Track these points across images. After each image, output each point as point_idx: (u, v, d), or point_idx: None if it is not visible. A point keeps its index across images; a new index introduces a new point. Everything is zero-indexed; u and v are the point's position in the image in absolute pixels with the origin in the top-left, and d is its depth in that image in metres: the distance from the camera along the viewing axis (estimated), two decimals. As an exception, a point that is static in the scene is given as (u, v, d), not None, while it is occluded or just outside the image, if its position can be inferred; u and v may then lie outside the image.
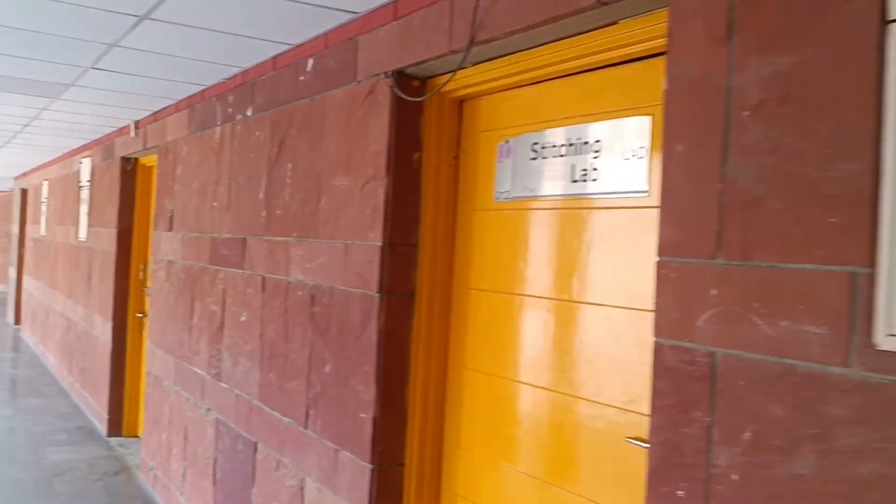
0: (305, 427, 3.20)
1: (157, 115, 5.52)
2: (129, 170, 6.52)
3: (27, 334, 11.60)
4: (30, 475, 5.39)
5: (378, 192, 2.79)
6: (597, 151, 2.22)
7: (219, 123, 4.37)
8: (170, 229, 5.09)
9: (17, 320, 13.23)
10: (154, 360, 5.30)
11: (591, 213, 2.25)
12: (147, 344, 5.52)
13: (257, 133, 3.84)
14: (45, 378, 8.84)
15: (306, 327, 3.24)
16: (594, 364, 2.19)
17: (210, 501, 4.15)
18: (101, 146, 7.20)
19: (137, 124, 5.98)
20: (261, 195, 3.75)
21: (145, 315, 6.40)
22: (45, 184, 10.45)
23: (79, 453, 5.97)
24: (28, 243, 12.26)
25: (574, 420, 2.25)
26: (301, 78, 3.43)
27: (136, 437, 6.49)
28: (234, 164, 4.10)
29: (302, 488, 3.19)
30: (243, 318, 3.88)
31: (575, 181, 2.29)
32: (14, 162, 10.88)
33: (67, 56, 3.98)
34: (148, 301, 6.36)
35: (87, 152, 7.82)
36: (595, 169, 2.22)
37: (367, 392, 2.79)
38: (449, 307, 2.80)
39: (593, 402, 2.18)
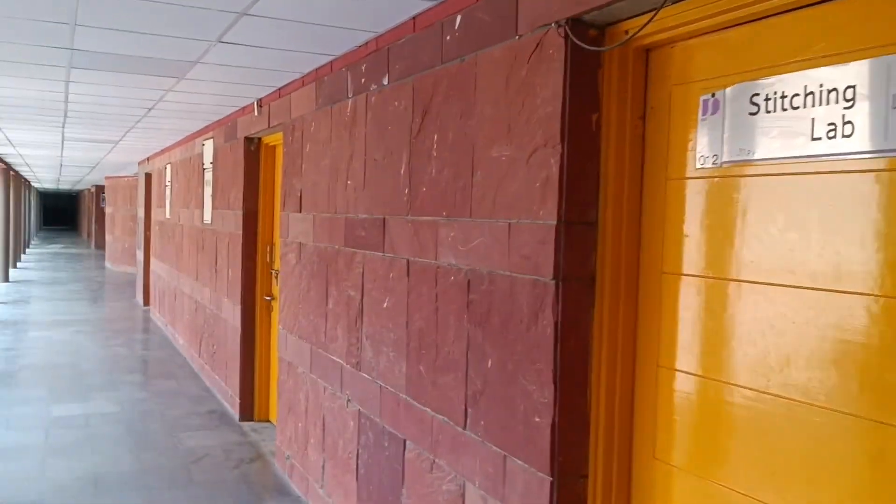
0: (464, 427, 2.88)
1: (281, 92, 5.31)
2: (253, 150, 6.38)
3: (156, 315, 11.91)
4: (167, 462, 5.35)
5: (549, 162, 2.41)
6: (849, 100, 1.76)
7: (350, 96, 4.08)
8: (299, 210, 4.88)
9: (146, 301, 13.64)
10: (287, 345, 5.13)
11: (840, 178, 1.79)
12: (279, 329, 5.36)
13: (396, 103, 3.52)
14: (175, 360, 8.97)
15: (461, 317, 2.91)
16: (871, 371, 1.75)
17: (353, 498, 3.92)
18: (224, 127, 7.11)
19: (260, 102, 5.81)
20: (402, 171, 3.43)
21: (273, 298, 6.28)
22: (169, 167, 10.60)
23: (213, 439, 5.92)
24: (153, 227, 12.56)
25: (839, 439, 1.82)
26: (447, 38, 3.07)
27: (269, 421, 6.40)
28: (370, 138, 3.81)
29: (462, 495, 2.88)
30: (386, 305, 3.60)
31: (817, 139, 1.83)
32: (139, 147, 11.09)
33: (195, 30, 3.77)
34: (275, 283, 6.22)
35: (209, 134, 7.77)
36: (848, 122, 1.76)
37: (541, 393, 2.43)
38: (636, 295, 2.40)
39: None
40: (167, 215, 10.71)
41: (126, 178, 20.92)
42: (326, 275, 4.38)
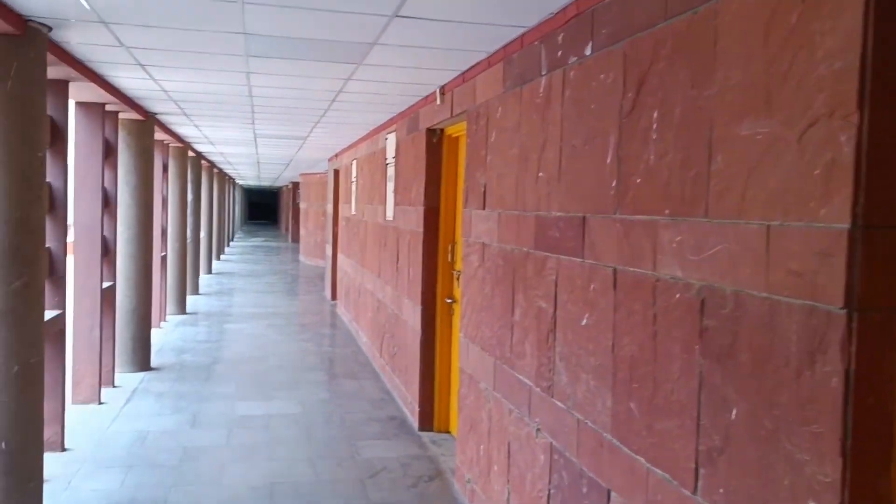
0: (694, 492, 2.20)
1: (465, 76, 4.82)
2: (435, 142, 5.96)
3: (342, 310, 11.96)
4: (343, 474, 5.03)
5: (837, 139, 1.69)
6: None
7: (544, 72, 3.49)
8: (482, 207, 4.36)
9: (333, 296, 13.82)
10: (468, 356, 4.64)
11: None
12: (460, 336, 4.88)
13: (601, 76, 2.88)
14: (358, 358, 8.82)
15: (691, 347, 2.23)
16: None
17: (543, 546, 3.34)
18: (406, 119, 6.76)
19: (443, 89, 5.35)
20: (608, 159, 2.79)
21: (455, 301, 5.83)
22: (354, 163, 10.52)
23: (391, 450, 5.56)
24: (341, 222, 12.65)
25: None
26: (673, -14, 2.40)
27: (449, 433, 5.97)
28: (567, 121, 3.19)
29: (691, 581, 2.21)
30: (585, 322, 2.98)
31: None
32: (327, 143, 11.14)
33: (368, 3, 3.33)
34: (457, 286, 5.77)
35: (392, 127, 7.48)
36: None
37: (819, 466, 1.72)
38: (975, 333, 1.62)
39: None
40: (353, 211, 10.66)
41: (318, 175, 21.61)
42: (513, 280, 3.82)
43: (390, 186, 7.54)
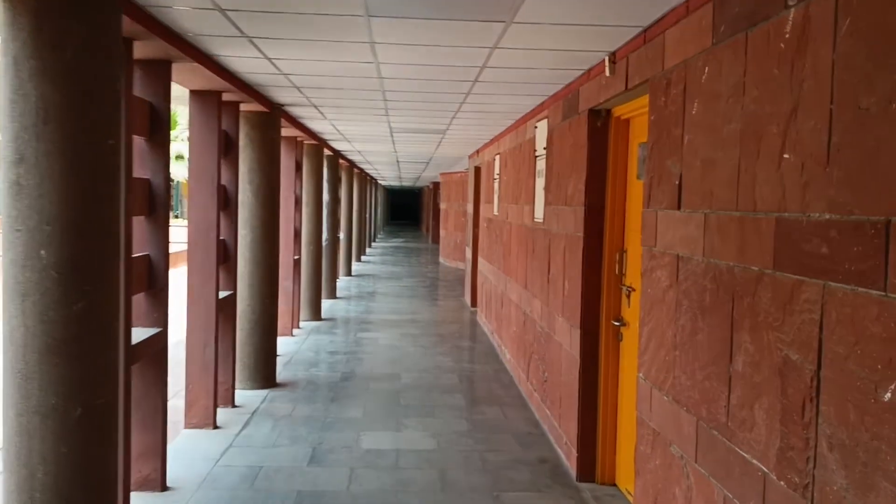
0: None
1: (647, 34, 3.67)
2: (600, 126, 4.82)
3: (482, 319, 10.99)
4: (486, 542, 4.01)
5: None
6: None
7: (791, 2, 2.30)
8: (676, 205, 3.21)
9: (473, 302, 12.88)
10: (650, 404, 3.49)
11: None
12: (638, 376, 3.73)
13: (933, -20, 1.68)
14: (501, 377, 7.79)
15: None
16: None
17: None
18: (561, 101, 5.66)
19: (614, 56, 4.22)
20: (955, 121, 1.59)
21: (624, 324, 4.67)
22: (497, 158, 9.51)
23: (544, 508, 4.49)
24: (481, 223, 11.68)
25: None
26: None
27: (615, 486, 4.82)
28: (847, 69, 2.00)
29: None
30: (888, 396, 1.79)
31: None
32: (468, 137, 10.19)
33: None
34: (626, 305, 4.61)
35: (543, 113, 6.39)
36: None
37: None
38: None
39: None
40: (495, 211, 9.65)
41: (458, 174, 20.81)
42: (731, 313, 2.65)
43: (540, 183, 6.46)
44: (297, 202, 9.80)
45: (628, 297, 4.63)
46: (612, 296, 4.83)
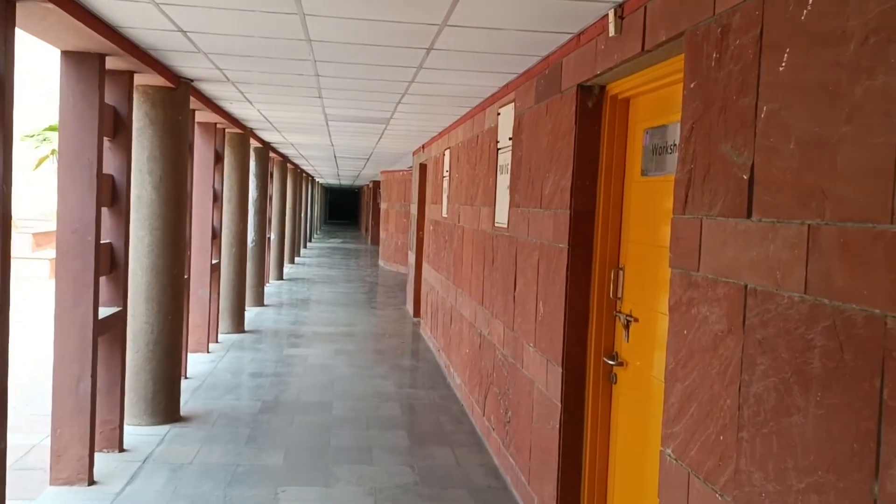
0: None
1: (683, -33, 2.60)
2: (591, 107, 3.75)
3: (427, 333, 9.86)
4: None
5: None
6: None
7: None
8: (741, 211, 2.14)
9: (416, 311, 11.75)
10: (688, 498, 2.41)
11: None
12: (665, 454, 2.64)
13: None
14: (450, 407, 6.67)
15: None
16: None
17: None
18: (536, 79, 4.57)
19: (622, 10, 3.14)
20: None
21: (618, 362, 3.61)
22: (447, 153, 8.40)
23: None
24: (427, 226, 10.56)
25: None
26: None
27: (604, 572, 3.76)
28: None
29: None
30: None
31: None
32: (414, 129, 9.05)
33: None
34: (623, 338, 3.56)
35: (511, 95, 5.30)
36: None
37: None
38: None
39: None
40: (444, 213, 8.53)
41: (400, 173, 19.65)
42: (878, 390, 1.58)
43: (503, 181, 5.37)
44: (217, 198, 8.51)
45: (626, 328, 3.56)
46: (604, 326, 3.76)
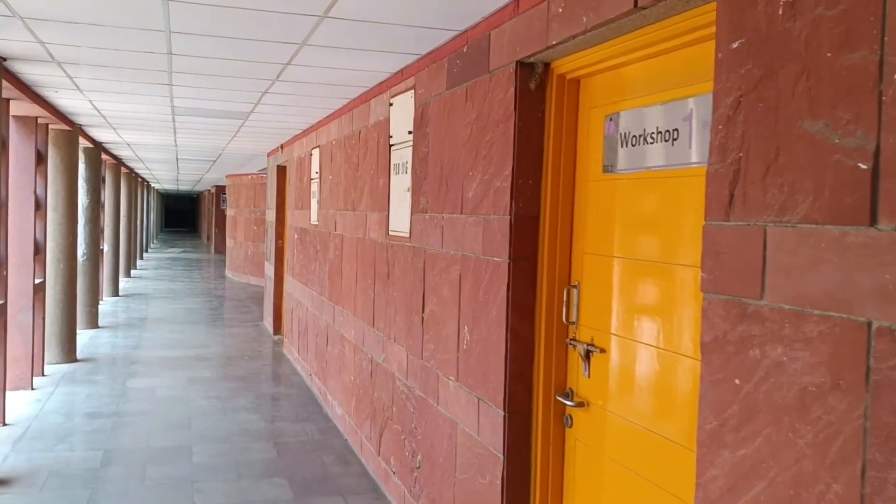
0: None
1: None
2: (534, 90, 3.06)
3: (292, 353, 8.88)
4: None
5: None
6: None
7: None
8: (866, 217, 1.49)
9: (277, 328, 10.71)
10: None
11: None
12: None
13: None
14: (333, 444, 5.80)
15: None
16: None
17: None
18: (445, 60, 3.83)
19: (598, -42, 2.46)
20: None
21: (577, 403, 2.93)
22: (317, 153, 7.50)
23: None
24: (290, 234, 9.57)
25: None
26: None
27: None
28: None
29: None
30: None
31: None
32: (274, 126, 8.07)
33: None
34: (582, 372, 2.90)
35: (407, 82, 4.53)
36: None
37: None
38: None
39: None
40: (313, 220, 7.62)
41: (249, 177, 18.36)
42: None
43: (401, 182, 4.59)
44: (40, 206, 7.17)
45: (586, 359, 2.89)
46: (554, 357, 3.07)
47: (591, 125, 2.93)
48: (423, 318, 4.13)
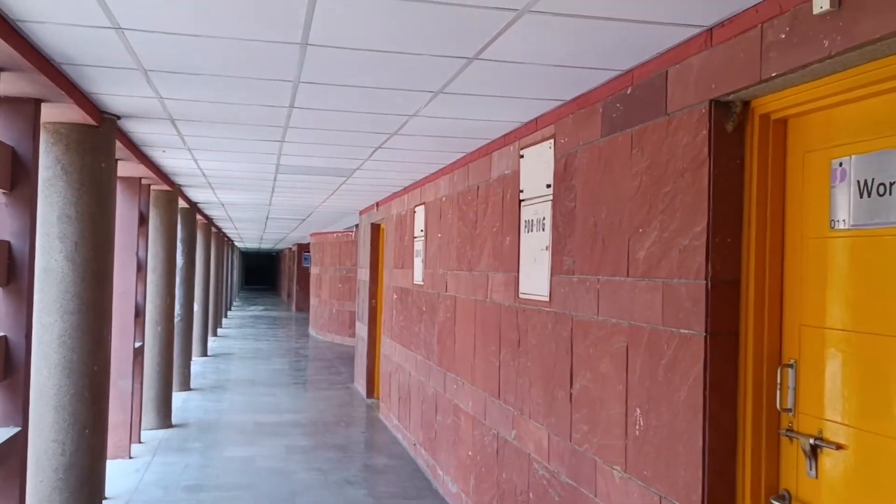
0: None
1: None
2: (731, 132, 2.60)
3: (390, 419, 8.45)
4: None
5: None
6: None
7: None
8: None
9: (370, 391, 10.32)
10: None
11: None
12: None
13: None
14: (450, 526, 5.31)
15: None
16: None
17: None
18: (600, 104, 3.42)
19: (848, -32, 2.02)
20: None
21: (812, 512, 2.39)
22: (420, 210, 7.18)
23: None
24: (387, 294, 9.24)
25: None
26: None
27: None
28: None
29: None
30: None
31: None
32: (374, 185, 7.82)
33: None
34: (810, 469, 2.36)
35: (539, 133, 4.14)
36: None
37: None
38: None
39: None
40: (417, 280, 7.25)
41: (335, 235, 18.30)
42: None
43: (535, 239, 4.17)
44: (141, 268, 7.02)
45: (812, 456, 2.36)
46: (764, 450, 2.55)
47: (808, 172, 2.46)
48: (571, 395, 3.65)
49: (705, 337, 2.60)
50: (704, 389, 2.60)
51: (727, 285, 2.60)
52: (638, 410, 3.02)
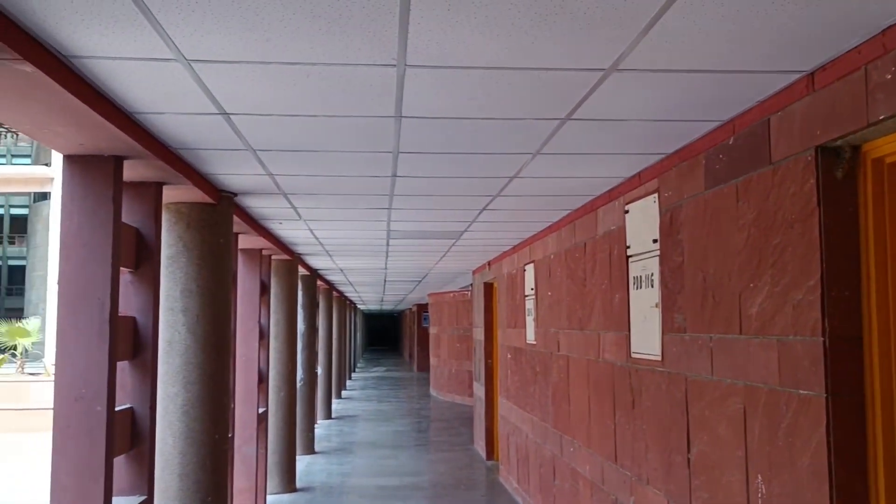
0: None
1: None
2: (841, 179, 2.46)
3: (510, 482, 8.29)
4: None
5: None
6: None
7: None
8: None
9: (490, 453, 10.19)
10: None
11: None
12: None
13: None
14: None
15: None
16: None
17: None
18: (701, 156, 3.32)
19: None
20: None
21: None
22: (530, 268, 7.14)
23: None
24: (501, 354, 9.17)
25: None
26: None
27: None
28: None
29: None
30: None
31: None
32: (482, 245, 7.86)
33: None
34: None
35: (643, 188, 4.06)
36: None
37: None
38: None
39: None
40: (529, 339, 7.17)
41: (452, 294, 18.45)
42: None
43: (645, 296, 4.05)
44: (263, 335, 7.28)
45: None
46: (903, 523, 2.33)
47: (932, 217, 2.28)
48: (688, 460, 3.47)
49: (826, 398, 2.42)
50: (829, 455, 2.41)
51: (847, 342, 2.42)
52: (759, 478, 2.83)
